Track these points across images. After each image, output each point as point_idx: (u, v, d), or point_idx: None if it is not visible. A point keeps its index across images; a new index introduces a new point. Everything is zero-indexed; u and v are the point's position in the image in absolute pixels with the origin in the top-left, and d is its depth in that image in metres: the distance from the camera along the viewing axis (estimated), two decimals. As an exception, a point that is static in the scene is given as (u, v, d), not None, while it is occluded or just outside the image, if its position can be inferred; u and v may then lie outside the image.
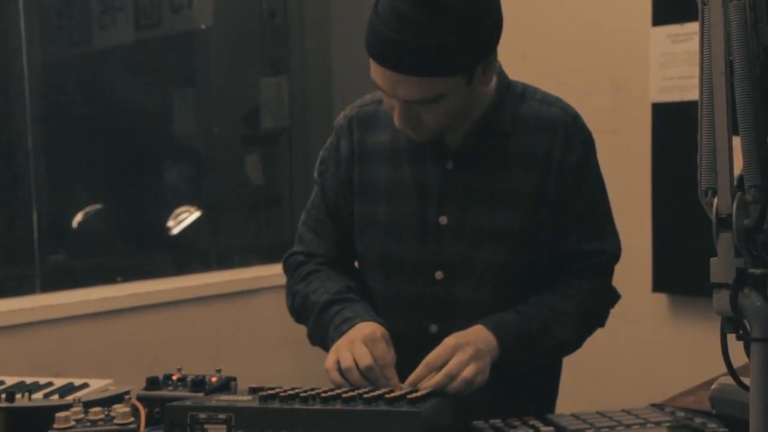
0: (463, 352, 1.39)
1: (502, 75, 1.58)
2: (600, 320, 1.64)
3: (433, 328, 1.57)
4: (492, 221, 1.54)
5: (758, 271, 0.84)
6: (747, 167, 0.86)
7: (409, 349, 1.49)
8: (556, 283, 1.59)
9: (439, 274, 1.56)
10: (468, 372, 1.37)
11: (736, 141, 0.88)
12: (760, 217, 0.85)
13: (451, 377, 1.36)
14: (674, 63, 2.76)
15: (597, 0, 2.99)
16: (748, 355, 0.86)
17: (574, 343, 1.60)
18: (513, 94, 1.58)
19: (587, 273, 1.59)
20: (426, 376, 1.38)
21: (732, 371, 0.89)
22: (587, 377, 2.71)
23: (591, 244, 1.59)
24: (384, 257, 1.60)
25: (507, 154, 1.55)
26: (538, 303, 1.54)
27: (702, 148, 0.91)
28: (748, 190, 0.86)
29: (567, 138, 1.55)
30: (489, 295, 1.55)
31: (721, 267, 0.87)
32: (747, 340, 0.85)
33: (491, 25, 1.42)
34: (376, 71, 1.43)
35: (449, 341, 1.42)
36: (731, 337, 0.89)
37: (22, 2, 2.92)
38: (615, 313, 1.68)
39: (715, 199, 0.88)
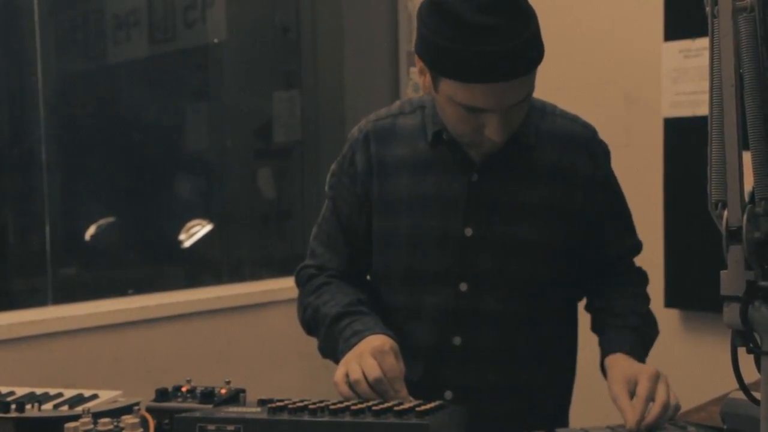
0: (663, 380, 1.41)
1: None
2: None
3: (457, 340, 1.57)
4: (516, 233, 1.55)
5: (769, 284, 0.84)
6: (757, 180, 0.86)
7: (432, 361, 1.49)
8: (616, 284, 1.66)
9: (463, 286, 1.56)
10: (673, 398, 1.39)
11: (747, 155, 0.88)
12: (770, 229, 0.84)
13: (666, 407, 1.37)
14: (686, 78, 2.75)
15: (609, 15, 3.00)
16: (759, 368, 0.85)
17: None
18: (534, 108, 1.59)
19: (631, 266, 1.71)
20: (642, 410, 1.37)
21: (742, 385, 0.88)
22: (600, 392, 2.69)
23: (627, 246, 1.69)
24: (407, 270, 1.60)
25: (531, 168, 1.56)
26: (630, 312, 1.60)
27: (712, 161, 0.91)
28: (758, 203, 0.86)
29: (591, 154, 1.60)
30: (513, 306, 1.56)
31: (731, 280, 0.87)
32: (757, 354, 0.85)
33: None
34: (474, 94, 1.41)
35: (649, 371, 1.42)
36: (744, 353, 0.88)
37: (38, 16, 2.95)
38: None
39: (725, 212, 0.88)
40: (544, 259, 1.56)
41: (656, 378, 1.40)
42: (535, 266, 1.56)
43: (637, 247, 1.71)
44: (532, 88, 1.47)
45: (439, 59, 1.41)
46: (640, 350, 1.55)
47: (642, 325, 1.60)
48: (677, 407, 1.39)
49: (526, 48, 1.38)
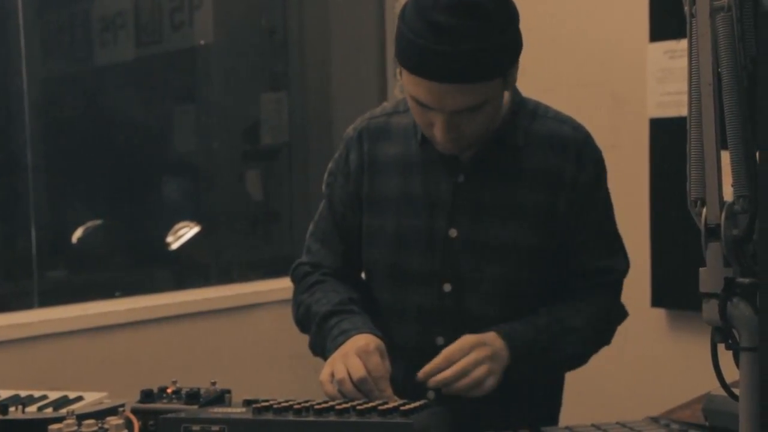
0: (481, 350, 1.41)
1: (515, 91, 1.59)
2: (607, 338, 1.65)
3: (440, 341, 1.57)
4: (501, 235, 1.55)
5: (747, 281, 0.85)
6: (735, 177, 0.87)
7: (415, 360, 1.50)
8: (568, 298, 1.60)
9: (447, 287, 1.57)
10: (479, 372, 1.39)
11: (725, 154, 0.89)
12: (748, 227, 0.85)
13: (464, 373, 1.38)
14: (672, 78, 2.77)
15: (595, 16, 3.01)
16: (737, 364, 0.86)
17: (581, 359, 1.61)
18: (526, 110, 1.59)
19: (598, 290, 1.61)
20: (443, 368, 1.39)
21: (721, 380, 0.89)
22: (587, 391, 2.70)
23: (602, 262, 1.61)
24: (392, 269, 1.61)
25: (518, 170, 1.56)
26: (549, 315, 1.56)
27: (691, 159, 0.92)
28: (736, 200, 0.87)
29: (579, 157, 1.57)
30: (497, 308, 1.56)
31: (710, 276, 0.87)
32: (736, 350, 0.85)
33: (518, 25, 1.45)
34: (419, 87, 1.42)
35: (469, 339, 1.43)
36: (725, 350, 0.89)
37: (22, 18, 2.94)
38: (615, 328, 1.69)
39: (704, 210, 0.89)
40: (528, 262, 1.55)
41: (472, 345, 1.41)
42: (519, 268, 1.55)
43: (611, 271, 1.61)
44: (486, 98, 1.43)
45: (398, 47, 1.43)
46: (519, 343, 1.48)
47: (552, 329, 1.53)
48: (479, 381, 1.38)
49: (475, 57, 1.36)
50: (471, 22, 1.35)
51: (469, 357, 1.40)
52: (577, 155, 1.57)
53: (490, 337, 1.47)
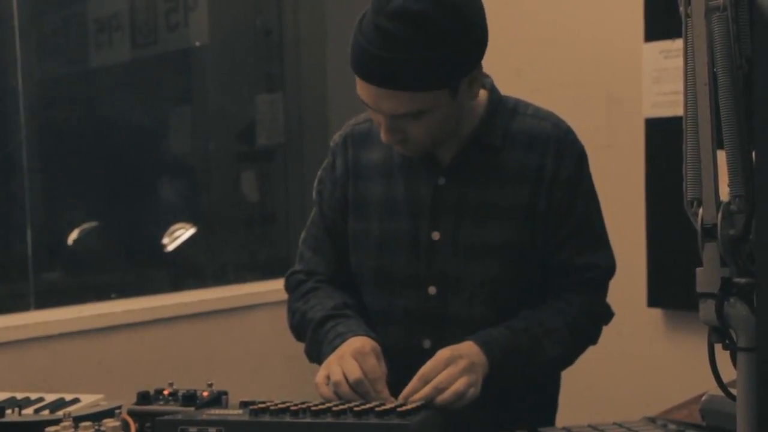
0: (456, 365, 1.39)
1: (493, 90, 1.59)
2: (592, 337, 1.63)
3: (426, 343, 1.57)
4: (484, 236, 1.54)
5: (743, 281, 0.85)
6: (732, 177, 0.87)
7: (403, 363, 1.49)
8: (548, 298, 1.59)
9: (432, 289, 1.57)
10: (459, 385, 1.37)
11: (722, 154, 0.89)
12: (745, 226, 0.85)
13: (440, 390, 1.36)
14: (667, 78, 2.77)
15: (590, 16, 3.01)
16: (734, 364, 0.86)
17: (565, 360, 1.59)
18: (504, 109, 1.58)
19: (580, 287, 1.59)
20: (419, 389, 1.37)
21: (719, 380, 0.89)
22: (584, 392, 2.71)
23: (583, 258, 1.58)
24: (377, 272, 1.61)
25: (498, 169, 1.55)
26: (528, 319, 1.54)
27: (687, 159, 0.92)
28: (732, 200, 0.87)
29: (559, 152, 1.56)
30: (482, 309, 1.55)
31: (706, 277, 0.88)
32: (733, 350, 0.86)
33: (475, 38, 1.42)
34: (361, 87, 1.45)
35: (443, 354, 1.41)
36: (722, 350, 0.89)
37: (18, 20, 2.93)
38: (611, 328, 1.68)
39: (701, 210, 0.89)
40: (512, 261, 1.55)
41: (446, 361, 1.38)
42: (502, 268, 1.54)
43: (593, 267, 1.58)
44: (426, 107, 1.42)
45: (350, 47, 1.46)
46: (497, 349, 1.46)
47: (530, 333, 1.50)
48: (459, 394, 1.36)
49: (410, 66, 1.36)
50: (412, 31, 1.35)
51: (444, 373, 1.38)
52: (556, 150, 1.55)
53: (466, 346, 1.45)
